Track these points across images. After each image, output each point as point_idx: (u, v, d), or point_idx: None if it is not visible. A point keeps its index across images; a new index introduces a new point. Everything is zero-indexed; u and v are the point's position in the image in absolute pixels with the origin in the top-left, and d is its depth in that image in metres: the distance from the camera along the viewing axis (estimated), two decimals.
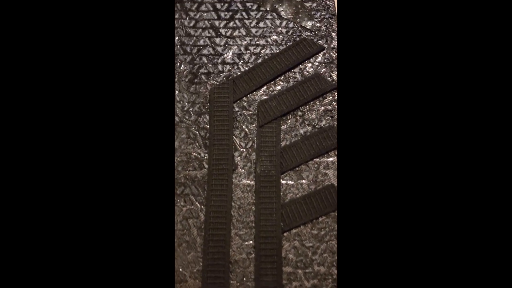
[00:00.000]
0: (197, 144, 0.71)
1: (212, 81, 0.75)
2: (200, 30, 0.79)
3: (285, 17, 0.80)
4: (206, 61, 0.77)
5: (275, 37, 0.78)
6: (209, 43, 0.78)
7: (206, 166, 0.69)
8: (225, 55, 0.77)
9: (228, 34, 0.79)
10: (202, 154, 0.70)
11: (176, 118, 0.72)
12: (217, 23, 0.80)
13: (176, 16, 0.80)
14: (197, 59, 0.77)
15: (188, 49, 0.78)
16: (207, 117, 0.73)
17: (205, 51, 0.77)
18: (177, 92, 0.74)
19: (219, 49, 0.78)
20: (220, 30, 0.79)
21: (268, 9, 0.81)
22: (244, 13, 0.80)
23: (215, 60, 0.77)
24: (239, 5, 0.81)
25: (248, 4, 0.81)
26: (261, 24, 0.79)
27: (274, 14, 0.80)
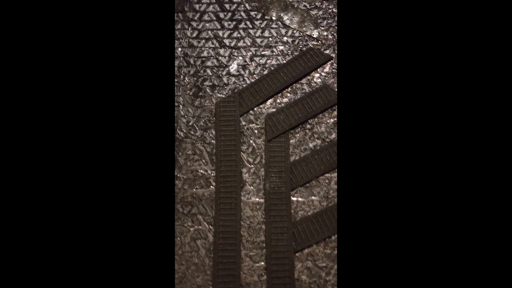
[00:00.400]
0: (204, 161, 0.68)
1: (217, 94, 0.73)
2: (204, 40, 0.76)
3: (290, 26, 0.78)
4: (210, 73, 0.74)
5: (281, 47, 0.76)
6: (213, 55, 0.75)
7: (213, 183, 0.67)
8: (230, 67, 0.75)
9: (232, 44, 0.76)
10: (209, 171, 0.68)
11: (181, 134, 0.70)
12: (220, 33, 0.77)
13: (178, 26, 0.77)
14: (201, 71, 0.74)
15: (192, 61, 0.75)
16: (213, 132, 0.70)
17: (209, 63, 0.75)
18: (181, 106, 0.72)
19: (224, 60, 0.75)
20: (224, 40, 0.76)
21: (273, 18, 0.78)
22: (248, 23, 0.78)
23: (220, 72, 0.74)
24: (243, 14, 0.78)
25: (252, 13, 0.78)
26: (266, 34, 0.77)
27: (279, 23, 0.78)
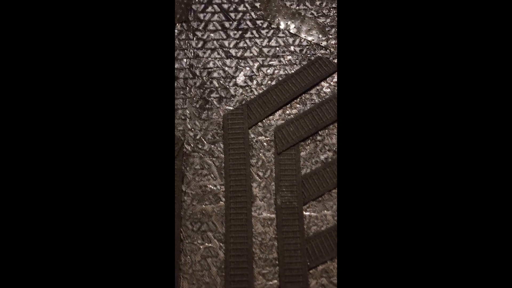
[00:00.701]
0: (212, 175, 0.66)
1: (224, 106, 0.71)
2: (209, 51, 0.75)
3: (298, 34, 0.76)
4: (217, 85, 0.72)
5: (289, 56, 0.74)
6: (219, 65, 0.74)
7: (223, 199, 0.65)
8: (237, 78, 0.73)
9: (239, 54, 0.74)
10: (218, 186, 0.66)
11: (188, 148, 0.68)
12: (226, 43, 0.75)
13: (183, 36, 0.75)
14: (208, 82, 0.72)
15: (198, 72, 0.73)
16: (222, 145, 0.68)
17: (215, 74, 0.73)
18: (188, 119, 0.70)
19: (230, 71, 0.73)
20: (230, 50, 0.75)
21: (280, 26, 0.76)
22: (254, 32, 0.76)
23: (227, 84, 0.72)
24: (248, 23, 0.77)
25: (258, 22, 0.77)
26: (273, 43, 0.75)
27: (286, 31, 0.76)
